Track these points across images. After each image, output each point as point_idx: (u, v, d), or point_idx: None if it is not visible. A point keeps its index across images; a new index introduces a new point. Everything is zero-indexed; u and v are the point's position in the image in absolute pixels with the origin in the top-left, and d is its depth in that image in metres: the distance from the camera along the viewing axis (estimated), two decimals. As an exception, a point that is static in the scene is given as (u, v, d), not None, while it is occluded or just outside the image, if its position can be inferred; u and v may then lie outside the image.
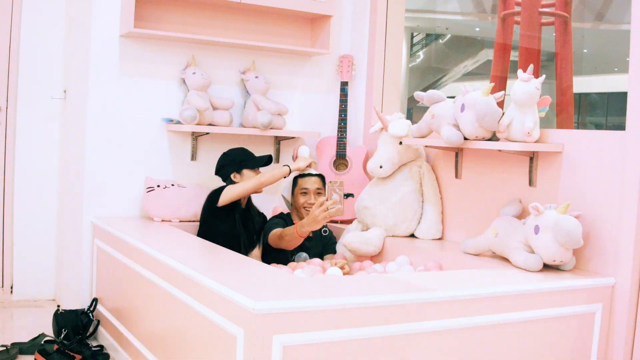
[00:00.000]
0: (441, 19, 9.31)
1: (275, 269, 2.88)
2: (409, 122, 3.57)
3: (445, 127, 3.16)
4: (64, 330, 3.44)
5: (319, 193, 3.62)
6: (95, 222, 3.69)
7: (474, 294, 2.39)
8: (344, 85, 4.22)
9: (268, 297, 2.13)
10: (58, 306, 3.66)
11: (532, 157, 3.03)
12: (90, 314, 3.60)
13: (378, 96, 4.27)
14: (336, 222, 4.05)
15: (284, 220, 3.61)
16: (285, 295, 2.21)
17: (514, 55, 5.02)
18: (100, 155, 3.76)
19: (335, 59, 4.33)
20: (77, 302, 3.77)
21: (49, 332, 3.54)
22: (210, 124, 3.85)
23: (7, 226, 4.21)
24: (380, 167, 3.58)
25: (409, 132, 3.53)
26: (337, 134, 4.16)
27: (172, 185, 3.81)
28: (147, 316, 2.98)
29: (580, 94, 8.41)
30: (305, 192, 3.62)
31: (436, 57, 10.51)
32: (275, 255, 3.49)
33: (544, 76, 2.93)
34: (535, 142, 2.93)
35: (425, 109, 3.42)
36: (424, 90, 3.52)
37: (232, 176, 3.56)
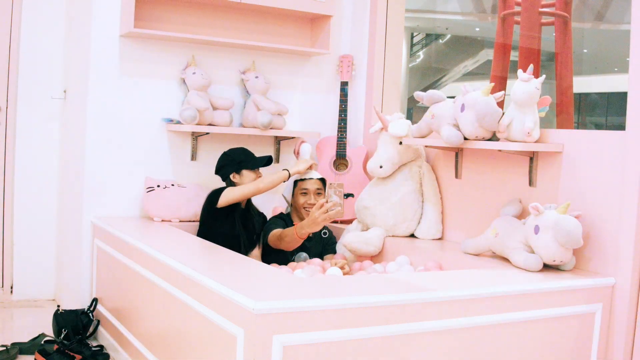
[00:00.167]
0: (441, 19, 9.32)
1: (275, 269, 2.88)
2: (409, 122, 3.57)
3: (445, 127, 3.16)
4: (64, 330, 3.44)
5: (319, 193, 3.62)
6: (95, 222, 3.69)
7: (474, 294, 2.39)
8: (344, 85, 4.23)
9: (268, 297, 2.13)
10: (58, 306, 3.66)
11: (532, 157, 3.03)
12: (90, 314, 3.60)
13: (378, 96, 4.27)
14: (336, 222, 4.05)
15: (283, 220, 3.61)
16: (285, 295, 2.21)
17: (514, 55, 5.02)
18: (100, 155, 3.76)
19: (335, 59, 4.33)
20: (77, 302, 3.77)
21: (49, 332, 3.54)
22: (210, 124, 3.85)
23: (7, 226, 4.21)
24: (380, 167, 3.58)
25: (409, 132, 3.53)
26: (337, 134, 4.16)
27: (172, 185, 3.81)
28: (147, 316, 2.98)
29: (580, 94, 8.41)
30: (305, 193, 3.62)
31: (436, 57, 10.51)
32: (275, 256, 3.49)
33: (544, 76, 2.93)
34: (535, 142, 2.93)
35: (425, 109, 3.42)
36: (424, 90, 3.51)
37: (231, 176, 3.56)
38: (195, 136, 3.95)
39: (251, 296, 2.08)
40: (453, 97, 3.26)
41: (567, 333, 2.64)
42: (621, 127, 2.73)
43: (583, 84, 7.88)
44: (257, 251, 3.61)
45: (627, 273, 2.64)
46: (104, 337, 3.50)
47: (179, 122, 3.83)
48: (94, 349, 3.37)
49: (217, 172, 3.63)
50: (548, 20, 4.87)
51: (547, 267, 2.77)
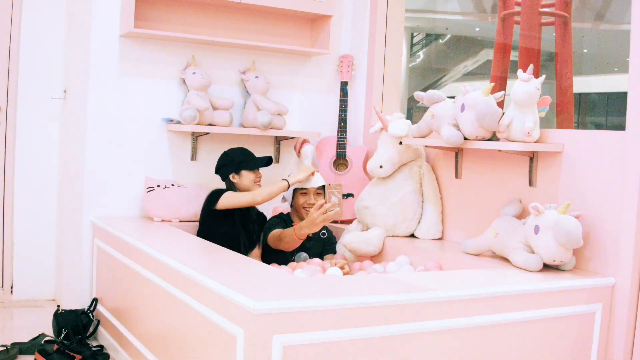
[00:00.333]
0: (441, 19, 9.32)
1: (275, 269, 2.88)
2: (409, 122, 3.57)
3: (445, 127, 3.16)
4: (64, 330, 3.44)
5: (318, 194, 3.61)
6: (95, 222, 3.69)
7: (474, 294, 2.39)
8: (344, 85, 4.22)
9: (268, 297, 2.13)
10: (58, 306, 3.66)
11: (532, 157, 3.03)
12: (90, 314, 3.60)
13: (378, 96, 4.27)
14: (336, 222, 4.05)
15: (283, 220, 3.61)
16: (285, 295, 2.21)
17: (514, 55, 5.02)
18: (100, 155, 3.76)
19: (335, 59, 4.33)
20: (77, 302, 3.77)
21: (49, 332, 3.54)
22: (210, 124, 3.85)
23: (7, 226, 4.21)
24: (380, 167, 3.58)
25: (409, 132, 3.53)
26: (337, 134, 4.16)
27: (172, 185, 3.81)
28: (147, 316, 2.98)
29: (580, 94, 8.41)
30: (305, 193, 3.62)
31: (436, 57, 10.51)
32: (275, 256, 3.49)
33: (544, 76, 2.93)
34: (535, 142, 2.93)
35: (425, 109, 3.42)
36: (424, 90, 3.51)
37: (230, 176, 3.56)
38: (195, 136, 3.95)
39: (251, 296, 2.08)
40: (453, 97, 3.26)
41: (567, 333, 2.64)
42: (621, 127, 2.73)
43: (583, 84, 7.88)
44: (257, 251, 3.61)
45: (627, 273, 2.64)
46: (104, 337, 3.50)
47: (179, 122, 3.83)
48: (94, 349, 3.37)
49: (216, 171, 3.63)
50: (548, 20, 4.87)
51: (547, 267, 2.77)
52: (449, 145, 3.14)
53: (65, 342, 3.30)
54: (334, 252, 3.70)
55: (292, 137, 4.15)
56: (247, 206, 3.50)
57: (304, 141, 3.84)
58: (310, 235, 3.42)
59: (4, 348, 3.29)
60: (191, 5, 3.92)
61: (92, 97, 3.73)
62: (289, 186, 3.50)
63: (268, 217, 3.76)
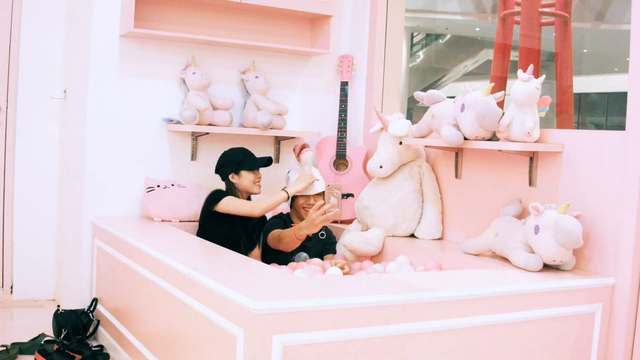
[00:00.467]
0: (441, 19, 9.32)
1: (275, 269, 2.88)
2: (409, 122, 3.57)
3: (445, 127, 3.16)
4: (64, 330, 3.44)
5: (318, 194, 3.61)
6: (95, 222, 3.69)
7: (474, 294, 2.39)
8: (344, 85, 4.22)
9: (268, 297, 2.13)
10: (58, 306, 3.66)
11: (532, 157, 3.03)
12: (90, 314, 3.60)
13: (378, 96, 4.27)
14: (336, 222, 4.05)
15: (283, 220, 3.61)
16: (285, 295, 2.21)
17: (514, 55, 5.02)
18: (100, 155, 3.76)
19: (335, 59, 4.33)
20: (77, 302, 3.77)
21: (49, 332, 3.54)
22: (210, 124, 3.85)
23: (7, 226, 4.21)
24: (380, 167, 3.58)
25: (409, 132, 3.53)
26: (337, 134, 4.16)
27: (172, 185, 3.81)
28: (147, 316, 2.98)
29: (580, 94, 8.41)
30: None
31: (436, 57, 10.51)
32: (275, 256, 3.49)
33: (544, 76, 2.93)
34: (535, 142, 2.93)
35: (425, 109, 3.42)
36: (424, 90, 3.51)
37: (229, 177, 3.56)
38: (195, 136, 3.95)
39: (251, 296, 2.08)
40: (453, 97, 3.26)
41: (567, 333, 2.64)
42: (621, 127, 2.73)
43: (583, 84, 7.88)
44: (257, 251, 3.61)
45: (627, 273, 2.64)
46: (104, 337, 3.50)
47: (179, 122, 3.83)
48: (94, 349, 3.37)
49: (216, 171, 3.63)
50: (548, 20, 4.87)
51: (547, 267, 2.77)
52: (449, 145, 3.14)
53: (65, 342, 3.31)
54: (334, 252, 3.70)
55: (292, 137, 4.15)
56: (245, 215, 3.49)
57: (304, 146, 3.82)
58: (310, 235, 3.42)
59: (4, 348, 3.29)
60: (191, 5, 3.92)
61: (92, 97, 3.73)
62: (288, 197, 3.49)
63: (268, 217, 3.76)
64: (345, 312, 2.14)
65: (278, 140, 4.18)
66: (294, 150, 3.92)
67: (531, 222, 2.75)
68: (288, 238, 3.29)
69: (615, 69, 8.08)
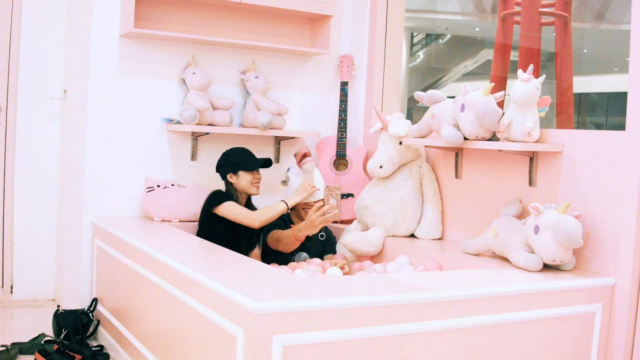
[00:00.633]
0: (441, 19, 9.32)
1: (275, 269, 2.88)
2: (409, 122, 3.57)
3: (445, 127, 3.16)
4: (64, 330, 3.44)
5: (318, 194, 3.61)
6: (95, 222, 3.69)
7: (474, 294, 2.39)
8: (344, 85, 4.22)
9: (268, 297, 2.13)
10: (58, 306, 3.66)
11: (532, 157, 3.03)
12: (90, 314, 3.60)
13: (378, 96, 4.27)
14: (336, 222, 4.05)
15: (283, 220, 3.61)
16: (285, 295, 2.21)
17: (514, 55, 5.02)
18: (100, 155, 3.76)
19: (335, 59, 4.33)
20: (77, 302, 3.77)
21: (49, 332, 3.54)
22: (210, 124, 3.85)
23: (7, 226, 4.21)
24: (380, 167, 3.58)
25: (409, 132, 3.53)
26: (337, 134, 4.16)
27: (172, 185, 3.81)
28: (147, 316, 2.98)
29: (580, 94, 8.41)
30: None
31: (436, 57, 10.51)
32: (275, 256, 3.49)
33: (544, 76, 2.93)
34: (535, 142, 2.93)
35: (425, 109, 3.42)
36: (424, 90, 3.51)
37: (228, 177, 3.56)
38: (195, 136, 3.95)
39: (251, 296, 2.08)
40: (453, 97, 3.26)
41: (567, 333, 2.64)
42: (621, 127, 2.73)
43: (583, 84, 7.88)
44: (257, 251, 3.61)
45: (627, 273, 2.64)
46: (104, 337, 3.50)
47: (179, 122, 3.83)
48: (94, 349, 3.37)
49: (217, 170, 3.63)
50: (548, 20, 4.88)
51: (547, 267, 2.77)
52: (449, 145, 3.14)
53: (65, 342, 3.31)
54: (334, 252, 3.70)
55: (292, 137, 4.15)
56: (243, 224, 3.47)
57: (305, 154, 3.74)
58: (310, 235, 3.42)
59: (4, 348, 3.29)
60: (191, 5, 3.92)
61: (92, 97, 3.73)
62: (288, 208, 3.46)
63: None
64: (345, 312, 2.14)
65: (278, 140, 4.18)
66: (295, 155, 3.90)
67: (531, 222, 2.75)
68: (287, 239, 3.29)
69: (615, 69, 8.08)
